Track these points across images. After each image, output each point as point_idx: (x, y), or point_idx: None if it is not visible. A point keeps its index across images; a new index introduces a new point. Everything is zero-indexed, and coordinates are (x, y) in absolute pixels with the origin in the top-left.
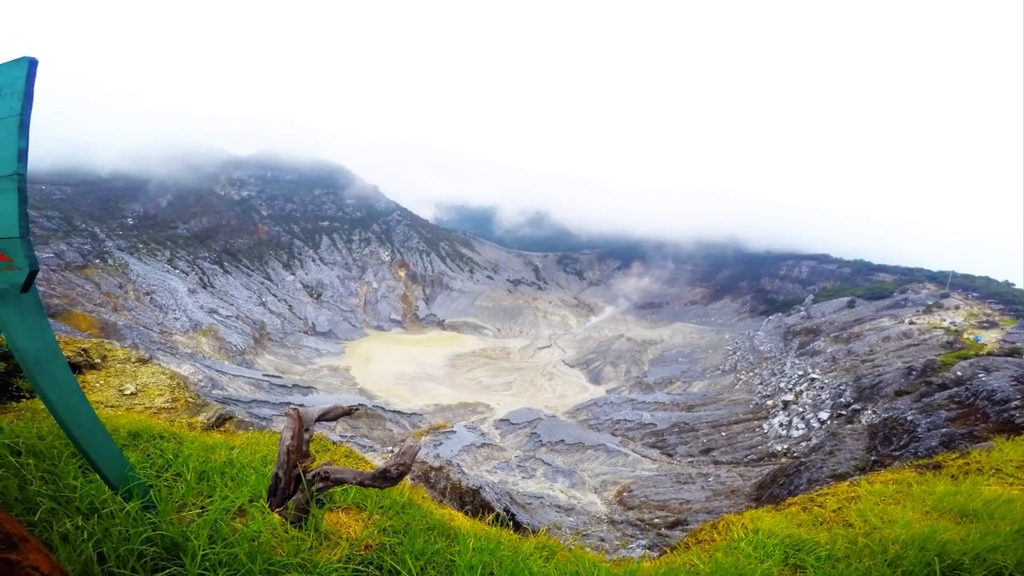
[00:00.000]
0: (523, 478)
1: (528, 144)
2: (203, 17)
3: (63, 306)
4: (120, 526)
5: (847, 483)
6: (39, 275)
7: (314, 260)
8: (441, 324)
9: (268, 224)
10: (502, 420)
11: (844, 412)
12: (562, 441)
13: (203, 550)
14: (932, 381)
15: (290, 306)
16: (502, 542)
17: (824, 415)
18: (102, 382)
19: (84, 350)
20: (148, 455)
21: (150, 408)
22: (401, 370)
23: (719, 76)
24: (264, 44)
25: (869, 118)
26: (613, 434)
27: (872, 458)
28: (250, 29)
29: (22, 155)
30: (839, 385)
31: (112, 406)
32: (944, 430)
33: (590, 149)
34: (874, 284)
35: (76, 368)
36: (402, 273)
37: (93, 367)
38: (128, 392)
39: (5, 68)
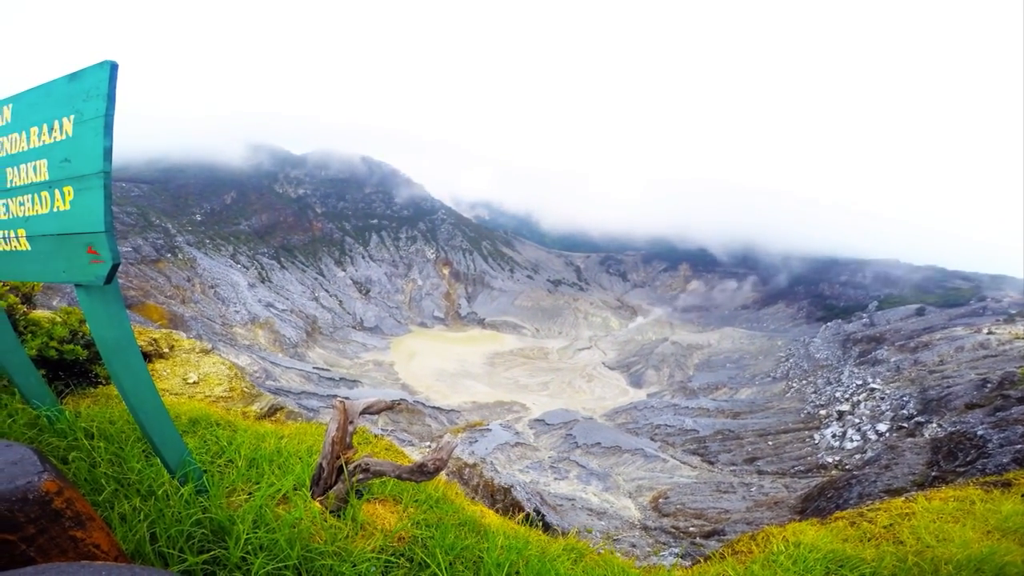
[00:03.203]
0: (555, 479)
1: (568, 149)
2: (268, 23)
3: (138, 298)
4: (174, 508)
5: (902, 499)
6: (119, 268)
7: (363, 257)
8: (482, 323)
9: (322, 221)
10: (537, 420)
11: (905, 425)
12: (598, 444)
13: (247, 534)
14: (1010, 394)
15: (340, 301)
16: (530, 541)
17: (883, 427)
18: (168, 371)
19: (154, 340)
20: (205, 441)
21: (209, 397)
22: (442, 367)
23: (779, 74)
24: (322, 49)
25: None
26: (652, 439)
27: (933, 474)
28: (311, 34)
29: (107, 154)
30: (902, 396)
31: (176, 394)
32: (1019, 446)
33: (640, 149)
34: (948, 291)
35: (147, 357)
36: (446, 271)
37: (161, 356)
38: (191, 381)
39: (90, 72)
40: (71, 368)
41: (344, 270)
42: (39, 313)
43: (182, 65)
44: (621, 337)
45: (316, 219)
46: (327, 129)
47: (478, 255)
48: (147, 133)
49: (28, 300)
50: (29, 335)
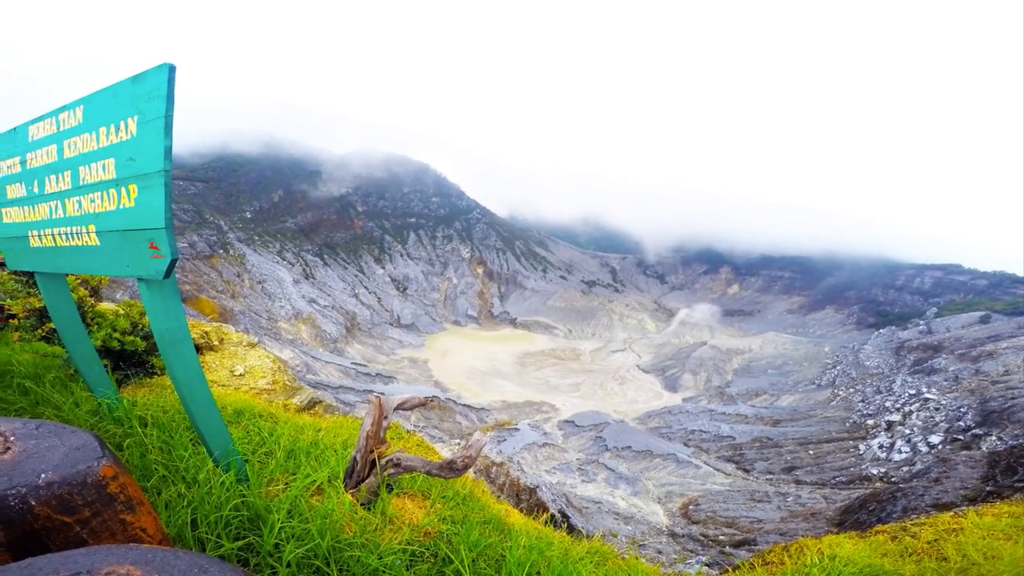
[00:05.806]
0: (582, 481)
1: (603, 156)
2: (311, 24)
3: (192, 292)
4: (215, 496)
5: (951, 514)
6: (176, 263)
7: (401, 255)
8: (514, 322)
9: (363, 220)
10: (567, 421)
11: (961, 437)
12: (629, 447)
13: (281, 523)
14: None
15: (379, 298)
16: (554, 543)
17: (936, 439)
18: (217, 363)
19: (206, 333)
20: (248, 432)
21: (254, 389)
22: (474, 365)
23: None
24: (365, 53)
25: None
26: (686, 444)
27: (988, 488)
28: (353, 37)
29: (167, 153)
30: (959, 407)
31: (223, 385)
32: None
33: (681, 156)
34: (1017, 298)
35: (198, 349)
36: (480, 270)
37: (212, 349)
38: (238, 373)
39: (149, 74)
40: (131, 359)
41: (383, 268)
42: (104, 306)
43: (231, 64)
44: (657, 340)
45: (357, 217)
46: (364, 128)
47: (511, 255)
48: (203, 131)
49: (96, 293)
50: (95, 326)
